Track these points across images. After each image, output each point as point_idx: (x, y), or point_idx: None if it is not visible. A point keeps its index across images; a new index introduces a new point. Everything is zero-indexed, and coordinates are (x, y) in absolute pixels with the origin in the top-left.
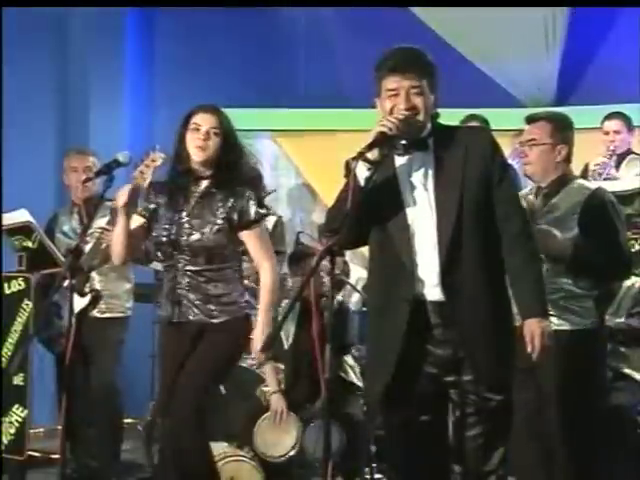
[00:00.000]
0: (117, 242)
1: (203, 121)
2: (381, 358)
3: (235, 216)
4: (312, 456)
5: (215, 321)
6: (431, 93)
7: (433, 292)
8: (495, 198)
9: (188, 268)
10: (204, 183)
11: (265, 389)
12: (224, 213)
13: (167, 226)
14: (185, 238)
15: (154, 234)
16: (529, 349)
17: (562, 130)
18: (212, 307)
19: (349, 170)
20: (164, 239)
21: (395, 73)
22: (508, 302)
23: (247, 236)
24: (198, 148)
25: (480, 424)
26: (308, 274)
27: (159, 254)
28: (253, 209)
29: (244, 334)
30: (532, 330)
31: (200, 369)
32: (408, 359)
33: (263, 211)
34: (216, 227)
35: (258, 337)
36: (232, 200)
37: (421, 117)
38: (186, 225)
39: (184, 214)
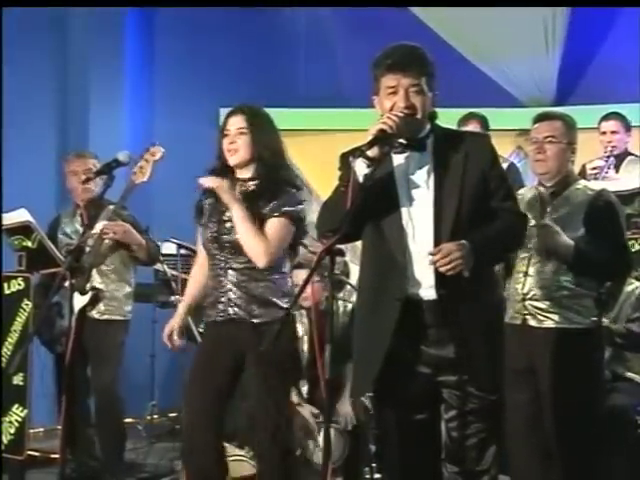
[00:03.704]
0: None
1: (230, 124)
2: (369, 356)
3: (267, 210)
4: (314, 460)
5: (256, 321)
6: (429, 91)
7: (427, 291)
8: (491, 206)
9: (231, 266)
10: (249, 184)
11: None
12: (261, 214)
13: (212, 225)
14: (227, 236)
15: (204, 234)
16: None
17: (573, 130)
18: (254, 307)
19: (344, 164)
20: (209, 237)
21: (394, 71)
22: (500, 303)
23: (267, 224)
24: (229, 152)
25: (473, 424)
26: (308, 275)
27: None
28: (284, 206)
29: (287, 336)
30: (449, 247)
31: (273, 404)
32: (397, 358)
33: (293, 208)
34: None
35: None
36: (271, 200)
37: (419, 116)
38: (229, 223)
39: (227, 213)
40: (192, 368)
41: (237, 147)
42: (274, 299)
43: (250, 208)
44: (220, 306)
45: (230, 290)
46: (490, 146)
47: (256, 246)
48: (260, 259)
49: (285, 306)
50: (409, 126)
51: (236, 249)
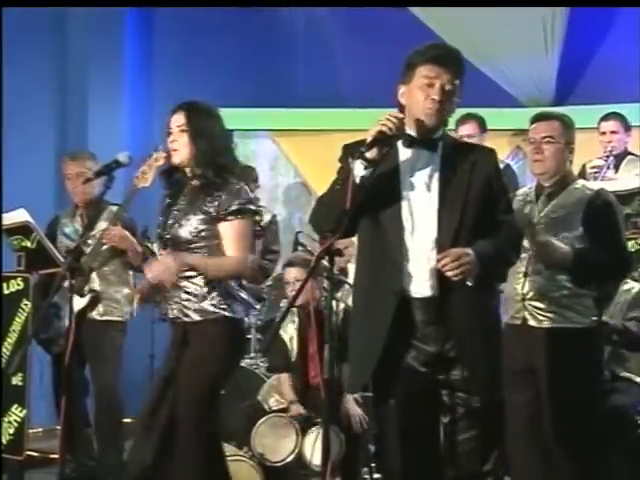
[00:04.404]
0: None
1: (173, 122)
2: (365, 351)
3: (213, 209)
4: (311, 460)
5: (189, 320)
6: (458, 97)
7: (423, 288)
8: (493, 216)
9: None
10: (194, 182)
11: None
12: (204, 207)
13: (160, 221)
14: (167, 232)
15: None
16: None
17: (571, 130)
18: (188, 305)
19: (345, 157)
20: (157, 234)
21: (437, 63)
22: (496, 300)
23: (222, 227)
24: (172, 150)
25: (472, 425)
26: (307, 275)
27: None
28: (233, 202)
29: (223, 337)
30: (458, 251)
31: (192, 386)
32: (393, 354)
33: (246, 206)
34: (195, 221)
35: (160, 261)
36: (214, 194)
37: (446, 115)
38: (171, 220)
39: (174, 210)
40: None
41: (177, 146)
42: (207, 298)
43: (196, 205)
44: (163, 305)
45: (170, 289)
46: (496, 159)
47: (230, 269)
48: (240, 271)
49: (222, 305)
50: (436, 121)
51: (173, 247)
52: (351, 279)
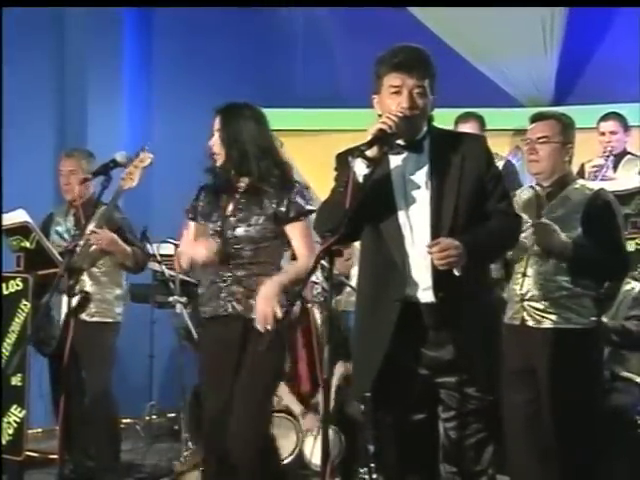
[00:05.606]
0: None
1: (214, 125)
2: (367, 358)
3: (283, 208)
4: (311, 460)
5: (254, 316)
6: (431, 94)
7: (425, 294)
8: (487, 208)
9: (233, 261)
10: (246, 179)
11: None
12: (272, 206)
13: (215, 219)
14: (231, 231)
15: (205, 231)
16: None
17: (570, 130)
18: (253, 302)
19: (340, 164)
20: (212, 232)
21: (400, 70)
22: (497, 304)
23: (292, 228)
24: (215, 153)
25: (470, 424)
26: (308, 274)
27: None
28: (302, 202)
29: (285, 331)
30: (448, 242)
31: (254, 398)
32: (396, 359)
33: (310, 206)
34: (262, 219)
35: (270, 284)
36: (280, 193)
37: (421, 117)
38: (232, 219)
39: (230, 208)
40: (202, 371)
41: (217, 150)
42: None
43: (255, 206)
44: (220, 301)
45: (231, 285)
46: (486, 147)
47: (305, 269)
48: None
49: (286, 302)
50: (410, 126)
51: (239, 243)
52: (352, 280)
